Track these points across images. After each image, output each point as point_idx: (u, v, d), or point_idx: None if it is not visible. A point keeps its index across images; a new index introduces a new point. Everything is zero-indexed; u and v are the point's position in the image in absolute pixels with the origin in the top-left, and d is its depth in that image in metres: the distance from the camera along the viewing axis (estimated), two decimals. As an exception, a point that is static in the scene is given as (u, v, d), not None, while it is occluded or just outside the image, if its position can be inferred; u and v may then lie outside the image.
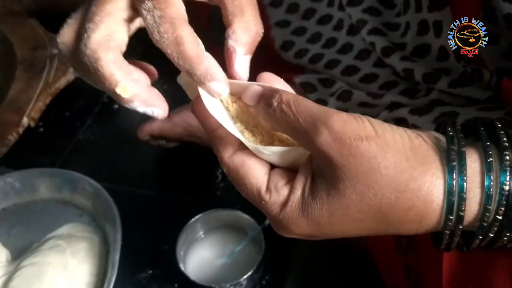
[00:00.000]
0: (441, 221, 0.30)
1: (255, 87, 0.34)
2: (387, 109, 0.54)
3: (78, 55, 0.34)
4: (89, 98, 0.84)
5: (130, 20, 0.35)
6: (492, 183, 0.29)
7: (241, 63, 0.35)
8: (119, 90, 0.34)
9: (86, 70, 0.34)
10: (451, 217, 0.30)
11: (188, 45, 0.32)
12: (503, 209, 0.30)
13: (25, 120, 0.76)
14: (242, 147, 0.34)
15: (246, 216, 0.61)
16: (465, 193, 0.29)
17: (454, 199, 0.30)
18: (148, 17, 0.32)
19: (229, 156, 0.34)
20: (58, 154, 0.77)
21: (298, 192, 0.32)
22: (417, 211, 0.30)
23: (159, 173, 0.75)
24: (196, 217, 0.61)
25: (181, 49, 0.32)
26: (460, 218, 0.30)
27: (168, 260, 0.60)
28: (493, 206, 0.30)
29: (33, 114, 0.77)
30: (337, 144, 0.30)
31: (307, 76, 0.63)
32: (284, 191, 0.33)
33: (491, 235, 0.31)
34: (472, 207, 0.30)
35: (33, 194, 0.68)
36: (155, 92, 0.36)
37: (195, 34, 0.33)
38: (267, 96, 0.33)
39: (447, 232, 0.31)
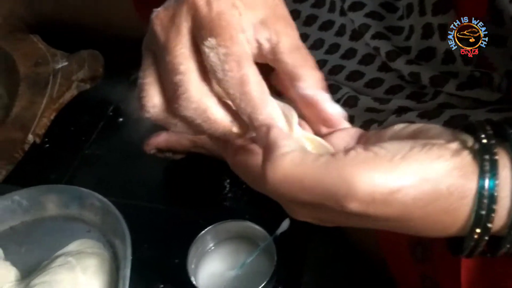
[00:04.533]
0: (466, 231, 0.30)
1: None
2: (395, 113, 0.54)
3: (177, 112, 0.32)
4: (94, 112, 0.84)
5: None
6: None
7: (331, 105, 0.34)
8: (235, 129, 0.33)
9: (190, 123, 0.33)
10: (478, 230, 0.29)
11: (253, 85, 0.31)
12: None
13: (30, 137, 0.76)
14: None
15: (256, 227, 0.60)
16: (496, 203, 0.28)
17: (484, 212, 0.28)
18: (211, 54, 0.31)
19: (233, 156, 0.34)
20: (64, 170, 0.76)
21: None
22: (443, 225, 0.30)
23: (167, 186, 0.74)
24: (206, 229, 0.61)
25: (246, 90, 0.31)
26: (487, 229, 0.29)
27: (179, 274, 0.60)
28: None
29: (38, 131, 0.76)
30: (371, 207, 0.28)
31: (312, 83, 0.62)
32: None
33: None
34: (501, 216, 0.29)
35: (40, 211, 0.67)
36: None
37: (260, 75, 0.32)
38: None
39: (472, 243, 0.30)
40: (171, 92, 0.32)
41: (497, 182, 0.28)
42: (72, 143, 0.80)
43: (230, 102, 0.33)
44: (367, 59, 0.60)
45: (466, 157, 0.29)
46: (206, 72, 0.33)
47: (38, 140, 0.76)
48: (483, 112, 0.47)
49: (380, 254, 0.53)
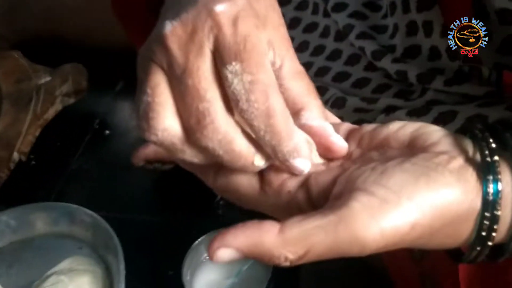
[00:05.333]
0: (467, 246, 0.29)
1: None
2: (383, 112, 0.54)
3: (198, 142, 0.29)
4: (79, 126, 0.83)
5: None
6: None
7: (337, 138, 0.32)
8: (257, 162, 0.30)
9: (209, 153, 0.30)
10: (478, 248, 0.29)
11: (279, 117, 0.29)
12: None
13: (15, 155, 0.75)
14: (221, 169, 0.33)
15: (250, 234, 0.59)
16: (497, 223, 0.28)
17: (485, 233, 0.28)
18: (235, 81, 0.29)
19: (213, 179, 0.33)
20: (52, 186, 0.75)
21: None
22: (445, 245, 0.30)
23: (158, 197, 0.74)
24: (200, 239, 0.60)
25: (272, 122, 0.29)
26: (487, 247, 0.29)
27: (174, 286, 0.59)
28: None
29: (23, 148, 0.75)
30: (383, 249, 0.27)
31: (299, 85, 0.62)
32: None
33: None
34: (501, 231, 0.28)
35: (30, 231, 0.66)
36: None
37: (285, 105, 0.30)
38: None
39: (471, 256, 0.30)
40: (194, 121, 0.29)
41: (499, 201, 0.28)
42: (58, 158, 0.79)
43: (250, 132, 0.31)
44: (352, 60, 0.60)
45: (470, 179, 0.28)
46: (227, 99, 0.30)
47: (23, 158, 0.75)
48: (472, 107, 0.47)
49: (379, 256, 0.52)
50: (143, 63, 0.31)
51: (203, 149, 0.30)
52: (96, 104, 0.85)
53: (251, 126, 0.29)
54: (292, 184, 0.31)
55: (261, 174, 0.32)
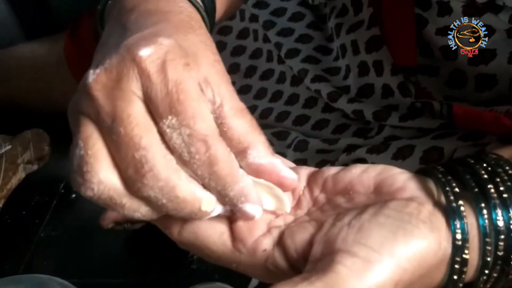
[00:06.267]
0: (441, 285, 0.30)
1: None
2: (345, 152, 0.55)
3: (139, 192, 0.28)
4: (44, 192, 0.81)
5: None
6: (488, 250, 0.29)
7: (287, 171, 0.31)
8: (205, 207, 0.29)
9: (152, 203, 0.29)
10: None
11: (222, 164, 0.28)
12: (496, 274, 0.29)
13: (-21, 230, 0.73)
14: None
15: (226, 287, 0.59)
16: (467, 266, 0.28)
17: (456, 277, 0.29)
18: (174, 136, 0.28)
19: (178, 233, 0.32)
20: (20, 258, 0.73)
21: None
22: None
23: (130, 258, 0.72)
24: (176, 297, 0.59)
25: (215, 170, 0.28)
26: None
27: None
28: (489, 271, 0.29)
29: (-13, 222, 0.73)
30: None
31: (261, 132, 0.63)
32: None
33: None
34: (470, 273, 0.29)
35: (-1, 308, 0.64)
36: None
37: (228, 149, 0.29)
38: None
39: None
40: (132, 170, 0.28)
41: (467, 245, 0.28)
42: (25, 228, 0.77)
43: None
44: (310, 102, 0.61)
45: (441, 226, 0.29)
46: (166, 142, 0.29)
47: (-12, 231, 0.73)
48: (427, 140, 0.48)
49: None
50: (72, 117, 0.30)
51: (145, 200, 0.29)
52: (60, 168, 0.83)
53: (196, 174, 0.29)
54: (267, 242, 0.31)
55: (232, 229, 0.32)
